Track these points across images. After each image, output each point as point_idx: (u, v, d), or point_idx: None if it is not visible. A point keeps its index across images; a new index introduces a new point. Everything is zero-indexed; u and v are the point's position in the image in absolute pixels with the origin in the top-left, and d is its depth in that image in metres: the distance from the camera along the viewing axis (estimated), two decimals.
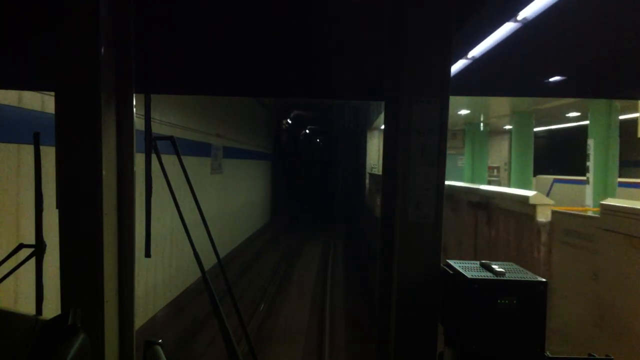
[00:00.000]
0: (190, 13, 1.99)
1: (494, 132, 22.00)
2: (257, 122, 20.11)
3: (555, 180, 21.30)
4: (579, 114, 16.02)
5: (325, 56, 2.22)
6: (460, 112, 16.49)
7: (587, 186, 11.53)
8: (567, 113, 16.13)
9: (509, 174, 24.28)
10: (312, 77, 2.34)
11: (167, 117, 9.28)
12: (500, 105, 15.12)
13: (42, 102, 5.30)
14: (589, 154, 11.38)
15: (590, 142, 11.30)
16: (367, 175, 23.61)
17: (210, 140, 12.30)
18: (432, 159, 1.65)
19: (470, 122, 19.43)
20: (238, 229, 15.80)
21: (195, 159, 11.05)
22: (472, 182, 18.56)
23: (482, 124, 19.39)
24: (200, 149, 11.50)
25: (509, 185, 23.52)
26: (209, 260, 1.73)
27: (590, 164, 11.32)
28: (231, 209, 14.74)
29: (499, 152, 24.02)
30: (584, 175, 19.28)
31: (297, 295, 11.52)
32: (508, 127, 22.08)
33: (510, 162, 24.33)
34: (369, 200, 21.31)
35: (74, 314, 1.24)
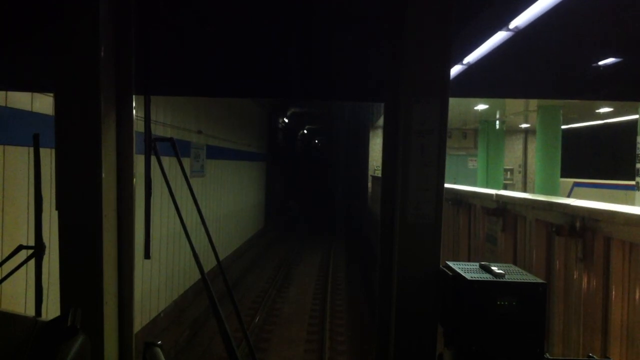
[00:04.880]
0: (190, 14, 1.98)
1: (508, 131, 20.26)
2: (250, 119, 18.33)
3: (576, 184, 19.63)
4: (611, 109, 14.21)
5: (326, 57, 2.22)
6: (477, 108, 14.67)
7: (637, 192, 9.70)
8: (598, 108, 14.30)
9: (524, 177, 22.78)
10: (313, 78, 2.33)
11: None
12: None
13: (31, 101, 5.06)
14: (639, 154, 9.57)
15: None
16: (370, 178, 21.74)
17: (190, 137, 10.51)
18: (431, 160, 1.66)
19: (485, 120, 17.60)
20: (222, 241, 13.87)
21: (169, 160, 9.12)
22: (487, 186, 16.75)
23: (497, 122, 17.52)
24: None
25: (523, 190, 21.91)
26: (209, 261, 1.13)
27: None
28: (214, 218, 12.87)
29: (512, 153, 22.43)
30: (599, 178, 17.91)
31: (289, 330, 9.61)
32: (524, 125, 20.36)
33: (525, 164, 22.77)
34: (372, 206, 19.38)
35: (73, 315, 1.24)
